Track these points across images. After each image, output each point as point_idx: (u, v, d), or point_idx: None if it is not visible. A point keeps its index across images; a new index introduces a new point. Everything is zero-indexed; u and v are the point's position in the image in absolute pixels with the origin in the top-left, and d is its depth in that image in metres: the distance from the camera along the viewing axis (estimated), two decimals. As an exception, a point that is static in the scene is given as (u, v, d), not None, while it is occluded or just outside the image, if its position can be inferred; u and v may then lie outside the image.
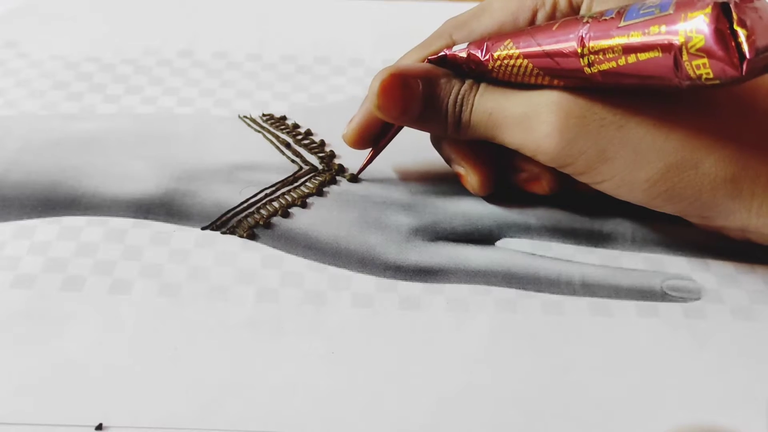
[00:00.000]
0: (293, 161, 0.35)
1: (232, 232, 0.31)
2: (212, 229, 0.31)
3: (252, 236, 0.31)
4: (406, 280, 0.29)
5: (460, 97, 0.29)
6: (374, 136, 0.33)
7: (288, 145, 0.36)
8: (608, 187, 0.28)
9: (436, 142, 0.33)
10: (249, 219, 0.31)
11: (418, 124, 0.31)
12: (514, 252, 0.31)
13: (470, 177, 0.32)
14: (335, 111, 0.35)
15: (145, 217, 0.31)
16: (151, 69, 0.41)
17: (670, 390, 0.26)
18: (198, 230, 0.31)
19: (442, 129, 0.30)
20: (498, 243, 0.31)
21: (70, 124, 0.36)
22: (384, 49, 0.44)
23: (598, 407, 0.25)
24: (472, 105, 0.29)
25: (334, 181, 0.34)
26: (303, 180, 0.34)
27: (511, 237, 0.32)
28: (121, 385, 0.25)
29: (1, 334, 0.27)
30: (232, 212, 0.32)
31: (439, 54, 0.30)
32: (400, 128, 0.32)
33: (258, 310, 0.28)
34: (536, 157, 0.28)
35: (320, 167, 0.34)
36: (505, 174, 0.32)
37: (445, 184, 0.33)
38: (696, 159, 0.26)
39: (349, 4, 0.48)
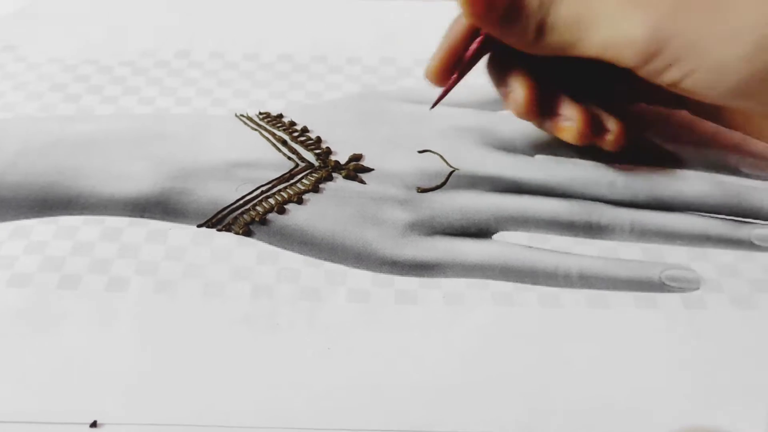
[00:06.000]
0: (289, 158, 0.35)
1: (228, 229, 0.31)
2: (208, 227, 0.31)
3: (248, 233, 0.31)
4: (402, 274, 0.29)
5: None
6: (452, 70, 0.32)
7: (284, 143, 0.36)
8: (700, 76, 0.27)
9: (490, 63, 0.33)
10: (245, 216, 0.31)
11: (501, 26, 0.30)
12: (511, 245, 0.31)
13: (516, 92, 0.31)
14: (331, 108, 0.35)
15: (141, 216, 0.31)
16: (149, 70, 0.41)
17: (669, 382, 0.26)
18: (194, 228, 0.31)
19: (523, 34, 0.29)
20: (495, 236, 0.31)
21: (67, 126, 0.36)
22: (381, 47, 0.44)
23: (596, 399, 0.25)
24: (558, 6, 0.28)
25: (330, 178, 0.34)
26: (299, 177, 0.34)
27: (507, 230, 0.31)
28: (117, 382, 0.25)
29: (-3, 333, 0.27)
30: (228, 209, 0.32)
31: None
32: (475, 61, 0.32)
33: (254, 306, 0.28)
34: (621, 54, 0.28)
35: (316, 164, 0.34)
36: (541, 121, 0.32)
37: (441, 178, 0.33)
38: None
39: (346, 3, 0.48)
